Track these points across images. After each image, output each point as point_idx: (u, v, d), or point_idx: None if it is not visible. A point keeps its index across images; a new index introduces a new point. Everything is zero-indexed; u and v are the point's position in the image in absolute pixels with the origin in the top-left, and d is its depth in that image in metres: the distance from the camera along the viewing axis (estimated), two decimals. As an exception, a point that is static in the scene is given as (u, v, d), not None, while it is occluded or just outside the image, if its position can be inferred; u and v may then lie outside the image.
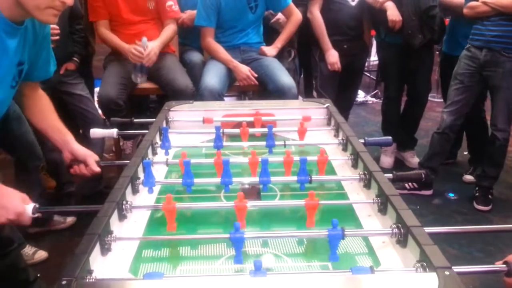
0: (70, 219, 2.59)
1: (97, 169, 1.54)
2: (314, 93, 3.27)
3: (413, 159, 3.43)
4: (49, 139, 1.62)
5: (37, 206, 1.22)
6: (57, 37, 2.44)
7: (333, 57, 3.05)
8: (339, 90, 3.19)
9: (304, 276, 0.99)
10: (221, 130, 1.77)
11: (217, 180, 1.41)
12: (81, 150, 1.55)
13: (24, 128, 2.14)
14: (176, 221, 1.22)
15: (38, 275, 1.97)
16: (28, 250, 2.27)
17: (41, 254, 2.31)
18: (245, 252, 1.15)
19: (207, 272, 1.08)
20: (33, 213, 1.21)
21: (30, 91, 1.56)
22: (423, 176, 1.53)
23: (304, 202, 1.23)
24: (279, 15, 3.11)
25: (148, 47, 2.69)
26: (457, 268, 0.93)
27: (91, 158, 1.54)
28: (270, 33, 3.17)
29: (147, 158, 1.57)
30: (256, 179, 1.43)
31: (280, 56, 3.04)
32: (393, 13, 2.94)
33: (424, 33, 2.98)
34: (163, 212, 1.23)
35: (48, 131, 1.59)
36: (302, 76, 3.83)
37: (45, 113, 1.59)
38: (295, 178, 1.43)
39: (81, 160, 1.54)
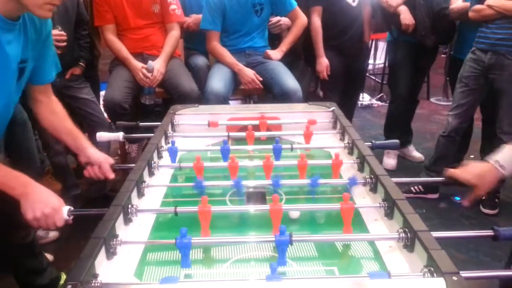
0: (53, 234, 2.50)
1: (111, 175, 1.55)
2: (320, 93, 3.28)
3: (414, 152, 3.54)
4: (64, 144, 1.64)
5: (72, 208, 1.24)
6: (64, 43, 2.45)
7: (321, 65, 3.07)
8: (341, 93, 3.19)
9: (320, 281, 0.99)
10: (226, 134, 1.77)
11: (229, 183, 1.42)
12: (96, 155, 1.57)
13: (28, 135, 2.13)
14: (182, 224, 1.22)
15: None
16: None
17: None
18: (249, 257, 1.14)
19: (214, 276, 1.08)
20: (68, 215, 1.23)
21: (42, 96, 1.56)
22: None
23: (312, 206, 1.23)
24: (276, 19, 3.10)
25: (154, 70, 2.75)
26: (465, 273, 0.92)
27: (106, 163, 1.56)
28: (273, 38, 3.17)
29: (152, 162, 1.57)
30: (262, 182, 1.42)
31: (291, 67, 3.03)
32: (406, 17, 3.00)
33: (437, 33, 3.03)
34: (168, 216, 1.22)
35: (63, 137, 1.60)
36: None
37: (59, 119, 1.59)
38: (301, 181, 1.42)
39: (96, 164, 1.56)
